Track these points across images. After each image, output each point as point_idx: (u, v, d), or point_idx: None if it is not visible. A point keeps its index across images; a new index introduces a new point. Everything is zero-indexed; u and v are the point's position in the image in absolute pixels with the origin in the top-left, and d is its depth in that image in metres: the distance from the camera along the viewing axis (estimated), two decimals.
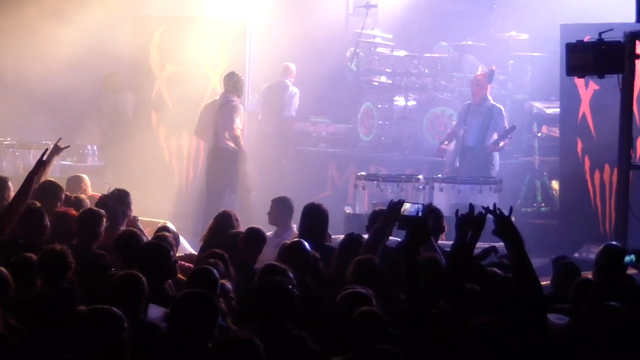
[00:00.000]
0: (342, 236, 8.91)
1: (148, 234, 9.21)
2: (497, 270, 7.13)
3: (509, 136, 13.50)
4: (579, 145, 13.23)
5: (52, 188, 9.56)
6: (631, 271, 7.44)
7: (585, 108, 13.13)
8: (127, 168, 14.59)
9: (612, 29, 9.83)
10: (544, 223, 13.96)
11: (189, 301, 5.91)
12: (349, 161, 15.33)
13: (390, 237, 8.35)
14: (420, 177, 12.99)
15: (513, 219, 5.99)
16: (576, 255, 11.86)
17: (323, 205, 9.26)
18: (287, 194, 10.42)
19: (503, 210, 5.96)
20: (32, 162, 13.61)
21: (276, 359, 5.62)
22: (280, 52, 16.13)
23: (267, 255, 8.75)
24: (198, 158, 15.04)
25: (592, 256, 9.59)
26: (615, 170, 11.12)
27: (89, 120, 16.55)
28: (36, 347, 6.15)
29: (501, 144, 13.48)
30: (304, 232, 8.94)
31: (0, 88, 16.13)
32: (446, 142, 13.99)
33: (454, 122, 14.37)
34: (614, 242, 8.59)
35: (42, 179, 9.32)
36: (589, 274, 7.75)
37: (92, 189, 11.13)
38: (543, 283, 6.01)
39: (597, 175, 13.08)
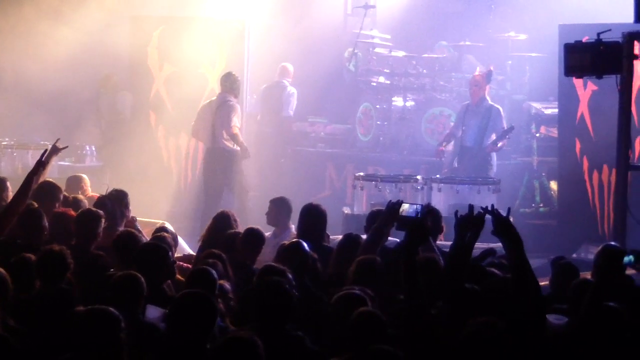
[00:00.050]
0: (340, 237, 8.90)
1: (146, 235, 9.20)
2: (496, 271, 7.13)
3: (507, 136, 13.50)
4: (578, 145, 13.23)
5: (51, 189, 9.55)
6: (630, 271, 7.45)
7: (583, 108, 13.13)
8: (125, 168, 14.59)
9: (610, 30, 9.83)
10: (543, 223, 13.96)
11: (187, 301, 5.91)
12: (347, 161, 15.33)
13: (389, 238, 8.35)
14: (418, 177, 12.99)
15: (511, 219, 5.99)
16: (574, 255, 11.86)
17: (321, 206, 9.25)
18: (286, 195, 10.42)
19: (500, 211, 5.97)
20: (31, 162, 13.66)
21: (275, 359, 5.62)
22: (278, 53, 16.13)
23: (266, 256, 8.75)
24: (196, 158, 15.03)
25: (591, 256, 9.60)
26: (614, 171, 11.12)
27: (88, 120, 16.57)
28: (35, 347, 6.14)
29: (500, 144, 13.49)
30: (302, 232, 8.93)
31: None
32: (444, 144, 14.00)
33: (452, 123, 14.37)
34: (612, 243, 8.59)
35: (41, 180, 9.31)
36: (587, 275, 7.75)
37: (91, 190, 11.12)
38: (542, 283, 6.01)
39: (595, 175, 13.08)
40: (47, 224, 8.53)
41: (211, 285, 6.76)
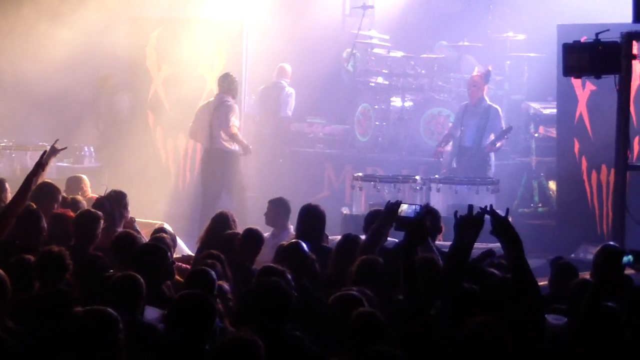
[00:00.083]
0: (339, 237, 8.90)
1: (145, 235, 9.19)
2: (495, 271, 7.13)
3: (506, 137, 13.51)
4: (576, 145, 13.22)
5: (49, 190, 9.55)
6: (629, 271, 7.45)
7: (582, 108, 13.13)
8: (124, 169, 14.59)
9: (608, 30, 9.84)
10: (541, 224, 13.96)
11: (186, 302, 5.91)
12: (346, 162, 15.33)
13: (388, 238, 8.35)
14: (417, 177, 12.99)
15: (510, 219, 5.99)
16: (573, 255, 11.85)
17: (320, 206, 9.25)
18: (284, 195, 10.42)
19: (499, 211, 5.97)
20: (29, 163, 13.69)
21: (275, 359, 5.62)
22: (276, 53, 16.13)
23: (265, 257, 8.75)
24: (195, 159, 15.02)
25: (590, 257, 9.59)
26: (613, 171, 11.10)
27: (87, 121, 16.57)
28: (33, 348, 6.14)
29: (498, 144, 13.49)
30: (301, 233, 8.93)
31: None
32: (442, 144, 14.00)
33: (451, 124, 14.37)
34: (611, 243, 8.58)
35: (39, 181, 9.31)
36: (586, 275, 7.74)
37: (90, 190, 11.13)
38: (540, 283, 6.00)
39: (594, 175, 13.08)
40: (45, 225, 8.53)
41: (210, 286, 6.76)
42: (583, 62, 9.87)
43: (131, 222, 9.70)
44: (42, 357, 6.08)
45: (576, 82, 12.92)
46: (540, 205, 14.46)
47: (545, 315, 6.02)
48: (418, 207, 8.16)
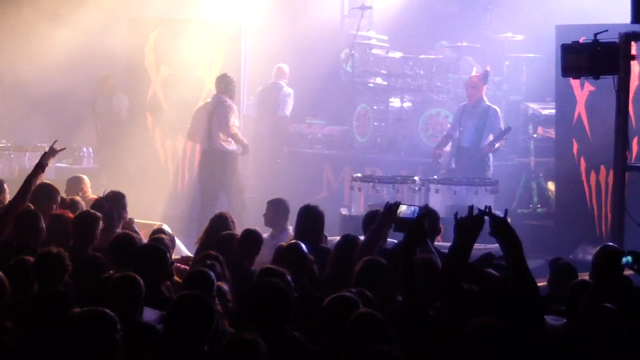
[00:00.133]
0: (338, 238, 8.90)
1: (144, 236, 9.19)
2: (494, 272, 7.12)
3: (504, 137, 13.51)
4: (575, 146, 13.22)
5: (48, 190, 9.55)
6: (628, 272, 7.44)
7: (580, 109, 13.13)
8: (122, 170, 14.58)
9: (607, 30, 9.84)
10: (540, 224, 13.96)
11: (184, 303, 5.90)
12: (345, 163, 15.32)
13: (388, 239, 8.35)
14: (416, 178, 12.99)
15: (509, 219, 5.98)
16: (571, 256, 11.84)
17: (319, 207, 9.25)
18: (283, 196, 10.42)
19: (498, 212, 5.97)
20: (28, 164, 13.71)
21: None
22: (275, 54, 16.12)
23: (263, 257, 8.75)
24: (193, 160, 15.02)
25: (588, 257, 9.60)
26: (611, 172, 11.11)
27: (86, 121, 16.57)
28: (32, 349, 6.13)
29: (497, 145, 13.49)
30: (300, 233, 8.92)
31: None
32: (441, 146, 13.99)
33: (450, 124, 14.37)
34: (610, 243, 8.58)
35: (38, 182, 9.31)
36: (585, 275, 7.74)
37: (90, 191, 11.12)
38: (539, 284, 6.00)
39: (592, 176, 13.08)
40: (44, 225, 8.53)
41: (209, 286, 6.76)
42: (581, 62, 9.87)
43: (130, 223, 9.70)
44: (41, 358, 6.08)
45: (575, 83, 12.93)
46: (539, 205, 14.47)
47: (545, 317, 6.02)
48: (417, 208, 8.14)
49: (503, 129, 13.51)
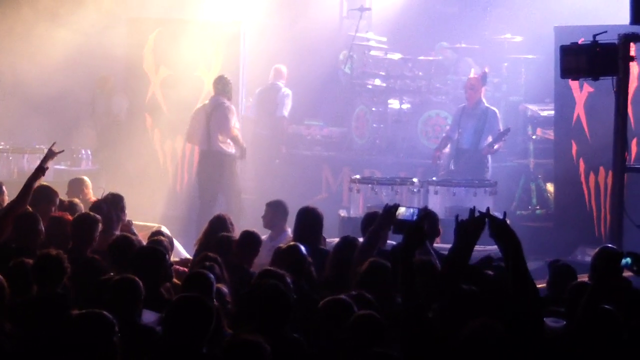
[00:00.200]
0: (337, 239, 8.89)
1: (142, 238, 9.18)
2: (490, 272, 7.12)
3: (503, 139, 13.52)
4: (574, 147, 13.23)
5: (47, 192, 9.54)
6: (627, 274, 7.44)
7: (579, 110, 13.14)
8: (121, 172, 14.57)
9: (606, 31, 9.83)
10: (539, 226, 13.96)
11: (183, 305, 5.90)
12: (344, 164, 15.32)
13: (388, 241, 8.34)
14: (415, 180, 12.98)
15: (508, 221, 5.98)
16: (570, 258, 11.84)
17: (318, 209, 9.24)
18: (282, 198, 10.42)
19: (497, 214, 5.96)
20: (26, 166, 13.69)
21: None
22: (274, 55, 16.12)
23: (262, 259, 8.75)
24: (192, 161, 15.00)
25: (587, 259, 9.58)
26: (610, 173, 11.12)
27: (85, 122, 16.56)
28: (31, 351, 6.13)
29: (496, 146, 13.50)
30: (298, 235, 8.92)
31: None
32: (440, 148, 13.99)
33: (449, 126, 14.37)
34: (609, 245, 8.58)
35: (36, 184, 9.30)
36: (584, 277, 7.74)
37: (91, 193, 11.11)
38: (539, 286, 5.99)
39: (591, 177, 13.08)
40: (43, 227, 8.52)
41: (208, 288, 6.75)
42: (580, 64, 9.87)
43: (128, 225, 9.70)
44: None
45: (574, 84, 12.93)
46: (538, 207, 14.48)
47: (544, 318, 6.02)
48: (416, 210, 8.13)
49: (502, 130, 13.51)
